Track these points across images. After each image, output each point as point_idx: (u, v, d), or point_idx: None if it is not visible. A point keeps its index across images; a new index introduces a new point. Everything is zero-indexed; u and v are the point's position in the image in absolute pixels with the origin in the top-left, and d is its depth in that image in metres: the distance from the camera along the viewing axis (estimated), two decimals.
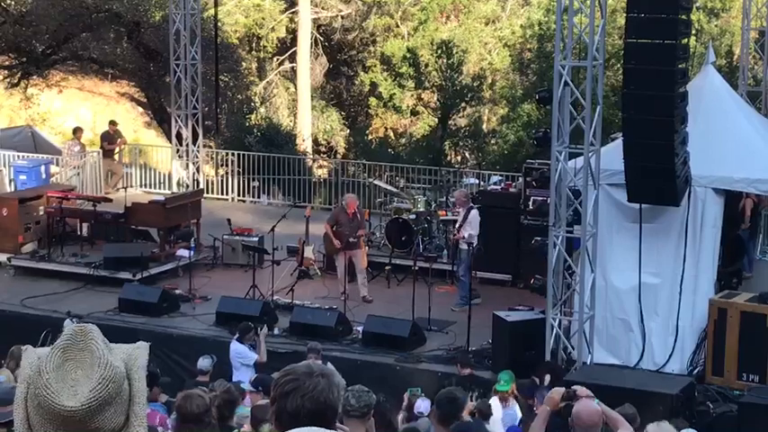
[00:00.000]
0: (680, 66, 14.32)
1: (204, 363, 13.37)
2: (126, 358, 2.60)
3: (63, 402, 2.45)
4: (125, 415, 2.54)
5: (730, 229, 16.35)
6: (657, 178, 14.22)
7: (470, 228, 17.51)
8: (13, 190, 22.94)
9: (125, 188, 22.12)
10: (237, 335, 14.75)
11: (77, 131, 25.76)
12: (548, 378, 13.55)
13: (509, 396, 13.04)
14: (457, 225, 17.93)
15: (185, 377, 14.08)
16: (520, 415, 12.85)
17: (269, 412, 3.48)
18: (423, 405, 11.47)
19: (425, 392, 12.20)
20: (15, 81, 32.83)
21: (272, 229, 18.50)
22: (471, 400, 11.60)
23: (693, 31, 22.43)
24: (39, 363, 2.52)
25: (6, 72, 32.89)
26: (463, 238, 17.38)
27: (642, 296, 15.04)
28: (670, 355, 14.96)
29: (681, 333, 14.93)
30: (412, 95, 38.09)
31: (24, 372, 2.55)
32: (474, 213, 17.75)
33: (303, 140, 34.76)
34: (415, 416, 11.42)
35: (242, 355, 14.53)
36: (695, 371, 14.77)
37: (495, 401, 12.92)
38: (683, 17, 14.42)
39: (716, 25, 36.32)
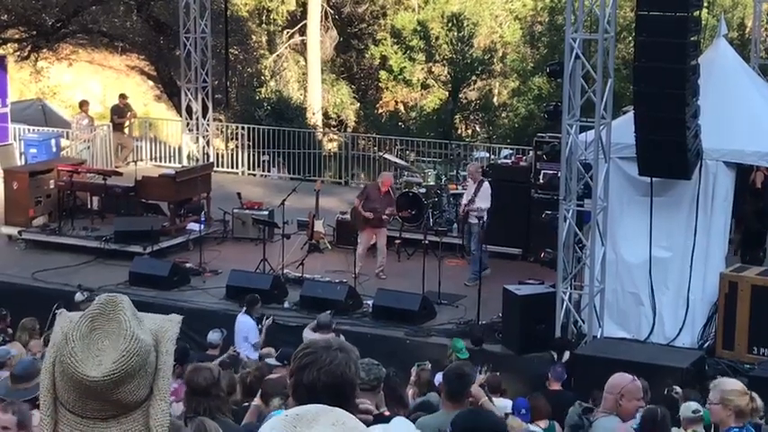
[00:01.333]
0: (692, 38, 14.24)
1: (214, 336, 13.41)
2: (156, 330, 2.59)
3: (86, 372, 2.44)
4: (149, 388, 2.53)
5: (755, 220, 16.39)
6: (668, 151, 14.17)
7: (481, 201, 17.49)
8: (23, 163, 22.97)
9: (135, 162, 22.12)
10: (245, 307, 14.76)
11: (83, 104, 25.73)
12: (566, 354, 13.55)
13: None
14: (466, 199, 17.82)
15: (195, 350, 14.11)
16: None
17: (278, 386, 3.49)
18: (439, 378, 11.48)
19: (435, 366, 12.23)
20: (25, 54, 32.81)
21: (283, 203, 18.49)
22: (480, 374, 11.65)
23: (705, 4, 22.25)
24: (66, 330, 2.51)
25: (16, 45, 32.87)
26: (475, 210, 17.32)
27: (653, 270, 15.02)
28: (680, 329, 14.95)
29: (691, 307, 14.92)
30: (422, 69, 37.99)
31: (56, 337, 2.54)
32: (486, 186, 17.74)
33: (313, 114, 34.71)
34: (436, 389, 11.44)
35: (251, 331, 14.55)
36: (706, 344, 14.76)
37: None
38: None
39: None
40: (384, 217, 17.73)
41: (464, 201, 17.93)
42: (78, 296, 15.00)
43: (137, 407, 2.51)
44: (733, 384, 6.58)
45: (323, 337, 3.37)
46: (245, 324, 14.71)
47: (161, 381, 2.55)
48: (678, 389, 11.57)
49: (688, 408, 9.70)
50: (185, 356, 11.06)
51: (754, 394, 6.71)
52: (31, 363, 7.67)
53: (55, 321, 2.58)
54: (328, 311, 14.94)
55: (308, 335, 13.76)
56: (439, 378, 11.48)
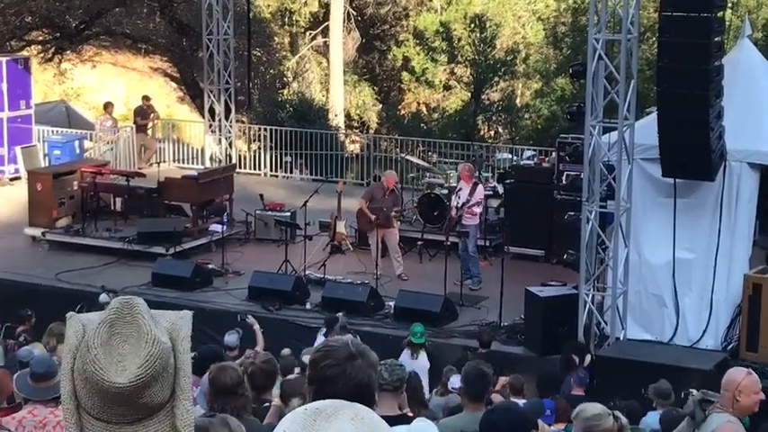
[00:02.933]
0: (715, 39, 14.17)
1: (231, 339, 13.30)
2: (170, 329, 2.59)
3: (111, 379, 2.45)
4: (171, 389, 2.54)
5: None
6: (692, 153, 14.10)
7: (479, 206, 17.31)
8: (47, 165, 23.08)
9: (158, 163, 22.18)
10: (324, 328, 14.35)
11: (108, 106, 25.85)
12: (588, 358, 13.48)
13: (419, 349, 13.85)
14: (460, 201, 17.29)
15: (222, 351, 14.10)
16: (428, 365, 13.67)
17: (298, 386, 3.46)
18: (458, 380, 11.47)
19: (457, 368, 12.22)
20: (49, 56, 32.99)
21: (305, 204, 18.50)
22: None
23: (729, 4, 22.18)
24: (85, 334, 2.51)
25: (40, 47, 33.06)
26: (473, 213, 17.17)
27: (676, 271, 14.95)
28: (704, 331, 14.87)
29: (715, 308, 14.84)
30: (445, 70, 37.98)
31: (70, 342, 2.54)
32: (480, 189, 17.54)
33: (335, 115, 34.74)
34: (449, 391, 11.44)
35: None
36: (729, 346, 14.68)
37: (405, 353, 13.66)
38: None
39: None
40: (392, 215, 17.67)
41: (455, 203, 17.43)
42: (103, 297, 15.02)
43: (161, 408, 2.51)
44: (593, 409, 6.47)
45: (336, 339, 3.31)
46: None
47: (182, 379, 2.55)
48: (695, 391, 11.52)
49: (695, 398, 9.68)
50: (219, 359, 10.77)
51: (617, 413, 6.64)
52: (49, 360, 7.69)
53: (66, 325, 2.58)
54: (340, 312, 14.90)
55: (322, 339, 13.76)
56: (454, 381, 11.50)
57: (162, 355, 2.49)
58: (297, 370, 10.87)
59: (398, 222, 18.29)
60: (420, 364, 13.51)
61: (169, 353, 2.53)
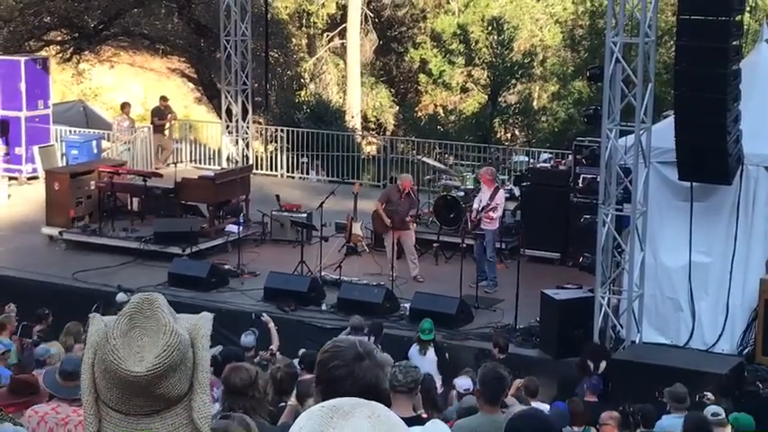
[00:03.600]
0: (733, 43, 14.14)
1: (247, 339, 13.31)
2: (190, 328, 2.63)
3: (129, 368, 2.49)
4: (189, 382, 2.57)
5: None
6: (709, 157, 14.08)
7: (499, 210, 17.30)
8: (64, 164, 23.16)
9: (175, 163, 22.27)
10: (373, 337, 14.08)
11: (125, 106, 25.94)
12: (603, 365, 13.43)
13: (428, 345, 13.83)
14: (480, 204, 17.27)
15: (241, 352, 14.12)
16: (435, 359, 13.71)
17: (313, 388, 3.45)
18: (466, 383, 11.48)
19: (471, 370, 12.23)
20: (68, 56, 33.11)
21: (321, 206, 18.52)
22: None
23: (748, 8, 22.12)
24: (106, 329, 2.56)
25: (59, 47, 33.18)
26: (491, 217, 17.15)
27: (692, 275, 14.92)
28: (720, 335, 14.84)
29: (731, 312, 14.81)
30: (462, 72, 37.97)
31: (92, 338, 2.59)
32: (501, 193, 17.53)
33: (352, 117, 34.77)
34: (462, 394, 11.44)
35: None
36: (745, 351, 14.65)
37: (414, 348, 13.75)
38: None
39: None
40: (407, 219, 17.65)
41: (475, 206, 17.40)
42: (121, 296, 15.05)
43: (179, 401, 2.55)
44: None
45: (342, 339, 3.31)
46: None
47: (201, 374, 2.59)
48: (710, 395, 11.52)
49: (709, 410, 9.71)
50: (240, 360, 10.70)
51: None
52: (79, 360, 7.74)
53: (88, 324, 2.63)
54: (357, 316, 14.90)
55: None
56: (461, 383, 11.50)
57: (180, 346, 2.53)
58: None
59: (414, 225, 18.26)
60: (429, 361, 13.56)
61: (187, 345, 2.56)
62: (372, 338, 13.95)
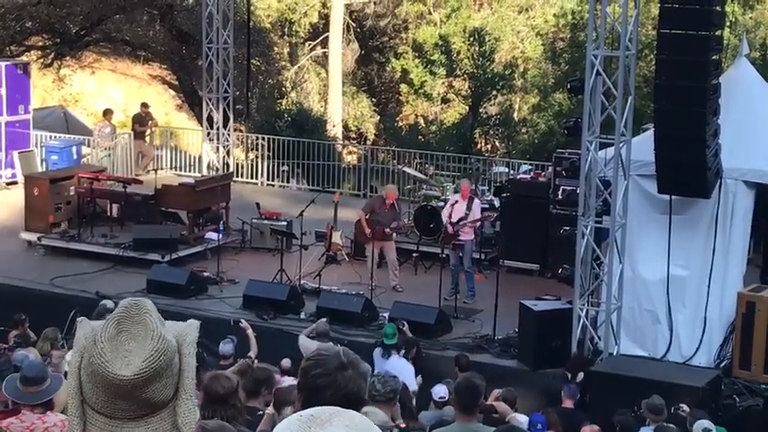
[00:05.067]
0: (713, 57, 14.23)
1: (226, 348, 13.24)
2: (177, 334, 2.65)
3: (116, 371, 2.50)
4: (174, 388, 2.59)
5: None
6: (688, 170, 14.14)
7: (475, 216, 17.34)
8: (44, 170, 23.09)
9: (155, 170, 22.20)
10: (403, 350, 13.95)
11: (107, 113, 25.87)
12: (580, 375, 13.47)
13: (391, 350, 13.70)
14: (456, 216, 17.19)
15: (213, 359, 14.11)
16: (402, 362, 13.49)
17: (290, 395, 3.46)
18: (441, 390, 11.49)
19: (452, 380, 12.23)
20: (49, 62, 33.01)
21: (301, 214, 18.52)
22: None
23: (728, 23, 22.27)
24: (94, 333, 2.57)
25: (40, 52, 33.08)
26: (471, 225, 17.20)
27: (670, 288, 14.98)
28: (697, 348, 14.89)
29: (708, 326, 14.86)
30: (443, 83, 38.06)
31: (79, 342, 2.60)
32: (477, 203, 17.59)
33: (333, 126, 34.80)
34: (437, 401, 11.45)
35: (408, 375, 13.30)
36: (722, 364, 14.70)
37: (377, 353, 13.65)
38: (718, 8, 14.32)
39: (750, 17, 36.10)
40: (387, 231, 17.63)
41: (449, 217, 17.29)
42: (109, 303, 14.95)
43: (164, 406, 2.56)
44: None
45: (327, 348, 3.29)
46: (404, 368, 13.52)
47: (186, 381, 2.61)
48: (685, 407, 11.57)
49: (699, 426, 9.71)
50: (201, 363, 10.84)
51: None
52: (40, 365, 7.67)
53: (75, 329, 2.64)
54: (324, 318, 14.91)
55: (304, 341, 13.76)
56: (438, 391, 11.51)
57: (167, 351, 2.54)
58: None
59: (395, 235, 18.24)
60: (391, 365, 13.52)
61: (174, 351, 2.58)
62: (403, 351, 13.98)
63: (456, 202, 17.46)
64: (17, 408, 6.93)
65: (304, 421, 2.26)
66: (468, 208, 17.26)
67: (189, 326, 2.70)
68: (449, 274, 17.24)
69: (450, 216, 17.29)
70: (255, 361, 12.81)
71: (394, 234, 18.00)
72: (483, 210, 18.03)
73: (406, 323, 14.69)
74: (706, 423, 10.28)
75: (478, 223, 17.56)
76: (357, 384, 3.33)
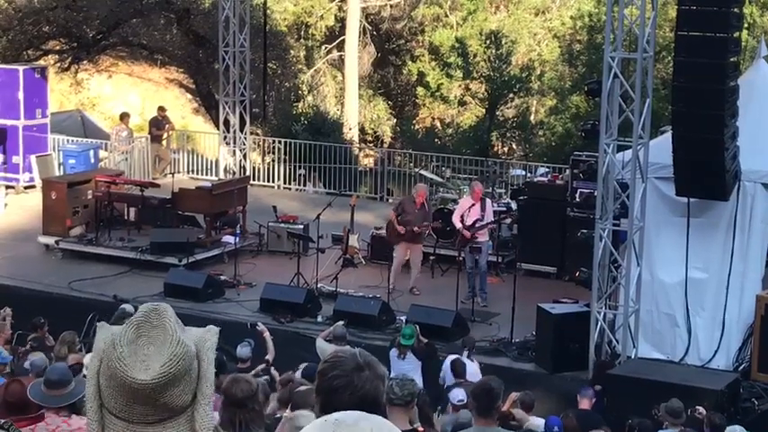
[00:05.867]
0: (731, 59, 14.18)
1: (243, 351, 13.26)
2: (197, 340, 2.65)
3: (134, 375, 2.50)
4: (192, 394, 2.59)
5: None
6: (706, 173, 14.10)
7: (490, 218, 17.34)
8: (61, 174, 23.15)
9: (172, 174, 22.23)
10: (467, 351, 14.16)
11: (124, 117, 25.96)
12: (597, 387, 13.43)
13: (407, 350, 13.87)
14: (470, 219, 17.15)
15: (229, 362, 14.12)
16: (417, 364, 13.78)
17: (308, 398, 3.45)
18: (460, 393, 11.47)
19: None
20: (66, 66, 33.13)
21: (318, 217, 18.51)
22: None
23: (746, 25, 22.19)
24: (113, 337, 2.57)
25: (57, 57, 33.20)
26: (486, 228, 17.20)
27: (689, 291, 14.93)
28: (716, 351, 14.84)
29: (727, 329, 14.81)
30: (460, 85, 38.02)
31: (98, 346, 2.61)
32: (489, 203, 17.64)
33: (350, 129, 34.81)
34: (456, 405, 11.44)
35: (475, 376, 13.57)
36: (741, 367, 14.65)
37: (393, 353, 13.86)
38: (736, 10, 14.27)
39: None
40: (416, 229, 17.58)
41: (462, 219, 17.20)
42: (128, 307, 14.97)
43: (182, 411, 2.56)
44: None
45: (344, 350, 3.29)
46: (472, 368, 13.86)
47: (204, 386, 2.61)
48: (701, 409, 11.53)
49: (732, 431, 9.67)
50: (222, 367, 10.81)
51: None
52: (64, 368, 7.68)
53: (96, 332, 2.64)
54: (341, 322, 14.90)
55: (322, 344, 13.77)
56: (456, 394, 11.50)
57: (186, 356, 2.54)
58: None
59: (423, 238, 18.18)
60: (407, 366, 13.59)
61: (193, 356, 2.58)
62: (466, 352, 14.09)
63: (473, 205, 17.40)
64: (41, 414, 6.94)
65: (329, 425, 2.27)
66: (483, 209, 17.26)
67: (208, 332, 2.70)
68: (466, 278, 17.22)
69: (462, 219, 17.24)
70: (272, 368, 12.84)
71: (423, 234, 17.95)
72: (499, 212, 18.01)
73: (417, 327, 14.66)
74: (739, 428, 10.24)
75: (494, 225, 17.55)
76: (374, 386, 3.32)
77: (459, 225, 17.28)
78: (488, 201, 17.75)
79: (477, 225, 17.17)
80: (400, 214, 17.69)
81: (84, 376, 10.09)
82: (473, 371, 13.57)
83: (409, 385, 6.56)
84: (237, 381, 6.86)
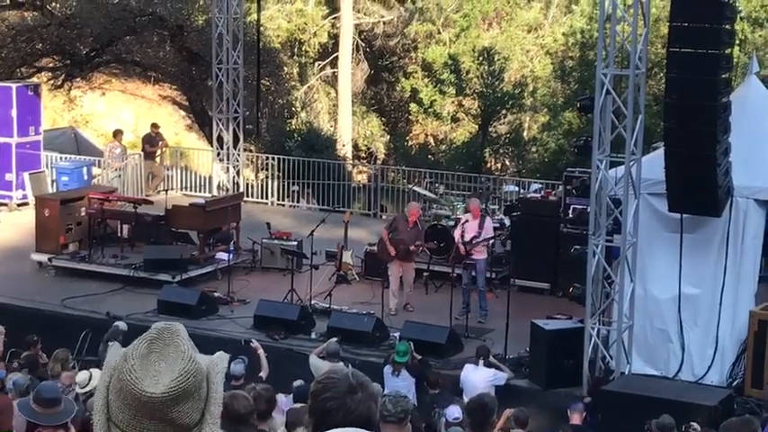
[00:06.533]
0: (723, 76, 14.22)
1: (237, 368, 13.21)
2: (207, 363, 2.66)
3: (145, 388, 2.50)
4: (201, 413, 2.59)
5: None
6: (699, 188, 14.12)
7: (487, 234, 17.36)
8: (55, 191, 23.14)
9: (166, 191, 22.24)
10: (482, 359, 14.38)
11: (118, 134, 25.97)
12: (587, 399, 13.51)
13: (401, 367, 13.94)
14: (468, 235, 17.20)
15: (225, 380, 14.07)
16: (411, 381, 13.84)
17: (302, 416, 3.44)
18: (456, 411, 11.47)
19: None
20: (59, 83, 33.12)
21: (311, 234, 18.53)
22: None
23: (737, 41, 22.25)
24: (125, 351, 2.58)
25: (50, 74, 33.20)
26: (485, 243, 17.23)
27: (682, 307, 14.94)
28: (709, 367, 14.85)
29: (720, 344, 14.82)
30: (453, 102, 38.10)
31: (110, 362, 2.61)
32: (489, 220, 17.67)
33: (343, 146, 34.85)
34: (451, 423, 11.42)
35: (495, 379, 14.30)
36: (734, 383, 14.65)
37: (387, 370, 13.92)
38: (727, 27, 14.32)
39: (760, 35, 36.06)
40: (412, 248, 17.61)
41: (462, 236, 17.27)
42: (122, 325, 14.96)
43: (189, 430, 2.56)
44: None
45: (336, 367, 3.27)
46: (488, 373, 14.35)
47: (213, 407, 2.60)
48: (696, 426, 11.53)
49: None
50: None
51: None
52: (55, 386, 7.67)
53: (107, 352, 2.66)
54: (335, 338, 14.91)
55: (315, 361, 13.77)
56: (452, 412, 11.49)
57: (196, 373, 2.55)
58: None
59: (416, 255, 18.18)
60: (401, 383, 13.62)
61: (204, 375, 2.59)
62: (482, 361, 14.24)
63: (467, 221, 17.45)
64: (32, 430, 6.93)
65: None
66: (481, 226, 17.26)
67: (219, 357, 2.71)
68: (460, 294, 17.22)
69: (461, 236, 17.28)
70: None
71: (417, 252, 17.95)
72: (494, 228, 18.04)
73: (411, 343, 14.69)
74: None
75: (491, 241, 17.58)
76: (367, 407, 3.32)
77: (458, 239, 17.33)
78: (488, 218, 17.77)
79: (473, 242, 17.19)
80: (392, 232, 17.68)
81: (77, 394, 10.06)
82: (488, 375, 14.09)
83: (402, 402, 6.55)
84: (236, 397, 6.88)
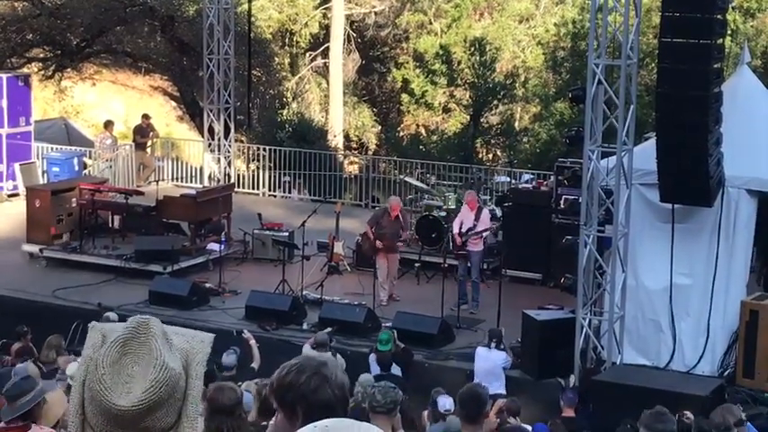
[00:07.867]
0: (715, 66, 14.22)
1: (229, 359, 13.21)
2: (187, 350, 2.59)
3: (114, 401, 2.45)
4: (177, 415, 2.53)
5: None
6: (690, 179, 14.13)
7: (482, 226, 17.40)
8: (45, 182, 23.09)
9: (157, 181, 22.22)
10: (494, 342, 14.55)
11: (108, 124, 25.91)
12: (572, 378, 13.57)
13: (388, 355, 14.00)
14: (465, 227, 17.31)
15: (214, 370, 14.07)
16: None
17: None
18: (447, 402, 11.46)
19: (454, 390, 12.19)
20: (50, 73, 33.05)
21: (303, 225, 18.51)
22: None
23: (729, 32, 22.25)
24: (95, 355, 2.51)
25: (41, 64, 33.13)
26: (479, 235, 17.27)
27: (673, 297, 14.96)
28: (701, 357, 14.87)
29: (712, 334, 14.84)
30: (444, 92, 38.07)
31: (86, 352, 2.55)
32: (486, 212, 17.70)
33: (334, 136, 34.80)
34: (442, 414, 11.41)
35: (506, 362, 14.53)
36: (726, 373, 14.68)
37: (372, 358, 14.00)
38: (719, 17, 14.31)
39: (752, 26, 36.10)
40: (399, 244, 17.71)
41: (459, 228, 17.40)
42: (112, 316, 14.92)
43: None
44: None
45: (317, 356, 3.20)
46: (501, 360, 14.53)
47: (190, 407, 2.54)
48: (689, 414, 11.54)
49: None
50: (211, 378, 10.66)
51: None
52: (21, 382, 7.53)
53: (79, 338, 2.60)
54: (326, 330, 14.95)
55: (309, 352, 13.78)
56: (443, 403, 11.48)
57: (169, 381, 2.48)
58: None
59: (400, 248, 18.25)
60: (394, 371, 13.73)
61: (178, 378, 2.52)
62: (494, 343, 14.46)
63: (464, 214, 17.54)
64: (27, 424, 6.84)
65: (319, 431, 2.26)
66: (477, 218, 17.28)
67: (201, 342, 2.63)
68: (451, 284, 17.20)
69: (460, 227, 17.34)
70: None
71: (399, 246, 18.00)
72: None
73: (395, 331, 14.75)
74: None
75: (486, 233, 17.60)
76: (315, 387, 3.19)
77: (456, 231, 17.36)
78: (485, 210, 17.77)
79: (469, 233, 17.21)
80: (374, 226, 17.71)
81: (59, 379, 9.92)
82: (501, 358, 14.39)
83: (391, 393, 6.56)
84: (222, 389, 6.84)
